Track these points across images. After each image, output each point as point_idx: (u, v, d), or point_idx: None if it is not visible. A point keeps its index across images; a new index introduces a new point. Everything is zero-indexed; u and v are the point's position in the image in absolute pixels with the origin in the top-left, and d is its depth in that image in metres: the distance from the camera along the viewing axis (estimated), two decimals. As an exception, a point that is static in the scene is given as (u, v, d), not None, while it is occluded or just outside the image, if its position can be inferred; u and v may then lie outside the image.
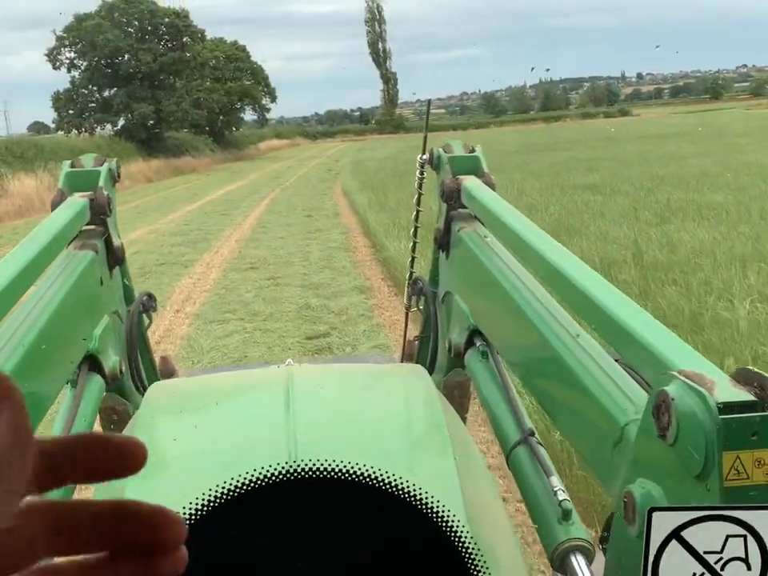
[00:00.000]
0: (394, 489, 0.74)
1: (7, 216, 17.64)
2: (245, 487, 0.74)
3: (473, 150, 1.76)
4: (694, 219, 8.52)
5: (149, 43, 37.97)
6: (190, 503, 0.73)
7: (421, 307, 1.97)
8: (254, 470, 0.74)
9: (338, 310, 6.73)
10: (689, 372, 0.71)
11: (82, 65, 38.37)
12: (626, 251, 6.76)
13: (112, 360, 1.54)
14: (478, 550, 0.75)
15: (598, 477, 0.96)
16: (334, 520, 0.78)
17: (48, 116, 38.87)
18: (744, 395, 0.67)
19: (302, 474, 0.75)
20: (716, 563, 0.60)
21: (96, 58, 37.55)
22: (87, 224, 1.64)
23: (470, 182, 1.63)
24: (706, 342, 4.20)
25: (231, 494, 0.73)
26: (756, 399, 0.67)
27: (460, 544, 0.75)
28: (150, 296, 1.90)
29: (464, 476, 0.88)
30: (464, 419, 1.83)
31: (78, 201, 1.61)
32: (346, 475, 0.74)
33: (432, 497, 0.75)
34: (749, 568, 0.60)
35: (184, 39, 39.24)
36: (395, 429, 1.03)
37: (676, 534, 0.60)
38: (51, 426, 1.39)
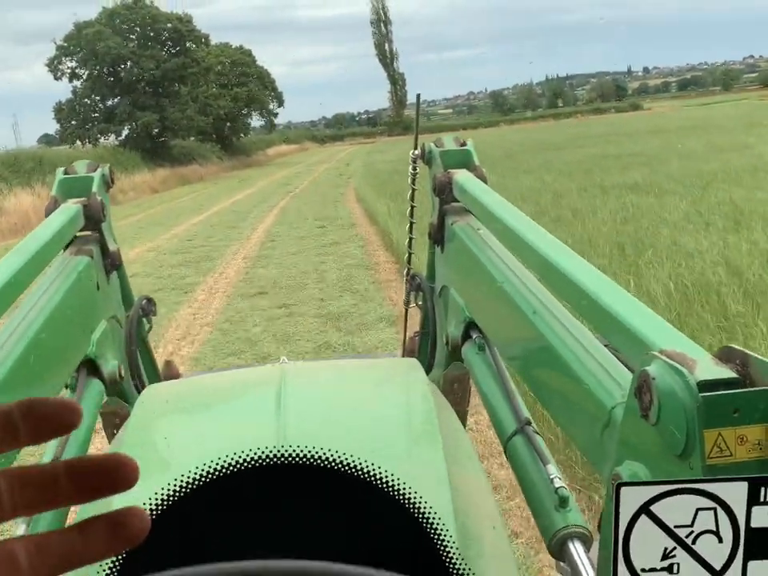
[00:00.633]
0: (379, 481, 0.75)
1: (1, 235, 16.52)
2: (231, 468, 0.75)
3: (464, 144, 1.75)
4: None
5: (151, 50, 36.87)
6: (175, 480, 0.73)
7: (420, 303, 1.94)
8: (242, 452, 0.75)
9: (365, 349, 5.51)
10: (670, 351, 0.70)
11: (83, 74, 37.30)
12: (718, 268, 5.49)
13: (111, 364, 1.53)
14: (454, 543, 0.75)
15: (589, 461, 0.95)
16: (317, 508, 0.79)
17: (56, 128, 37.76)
18: (725, 372, 0.66)
19: (289, 459, 0.76)
20: (687, 537, 0.59)
21: (97, 67, 36.49)
22: (82, 230, 1.63)
23: (461, 176, 1.62)
24: None
25: (217, 473, 0.74)
26: (737, 376, 0.66)
27: (437, 537, 0.74)
28: (150, 300, 1.88)
29: (453, 467, 0.90)
30: (465, 412, 1.89)
31: (71, 207, 1.60)
32: (332, 464, 0.75)
33: (415, 490, 0.75)
34: (720, 540, 0.59)
35: (187, 44, 38.15)
36: (385, 420, 1.04)
37: (645, 509, 0.59)
38: None
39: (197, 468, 0.74)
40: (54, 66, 36.81)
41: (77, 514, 0.90)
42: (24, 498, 0.34)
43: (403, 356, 2.11)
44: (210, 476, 0.74)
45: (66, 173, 1.72)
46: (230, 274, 9.44)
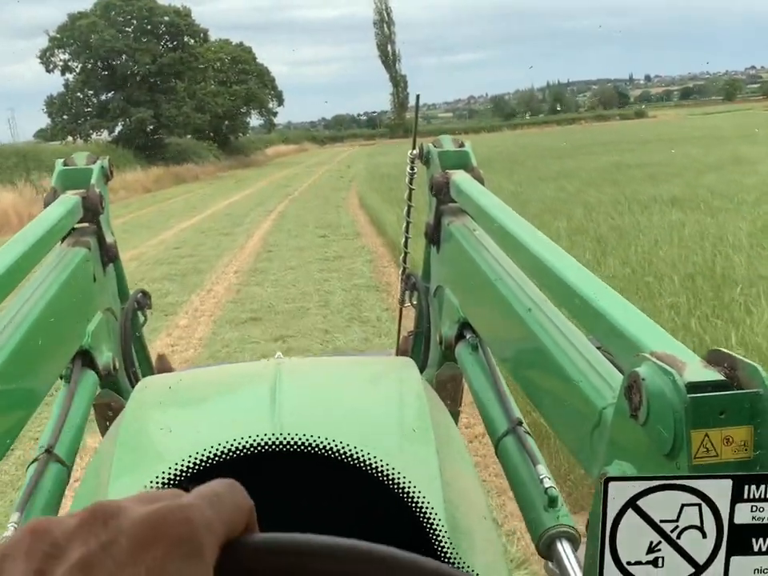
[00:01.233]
0: (374, 470, 0.76)
1: (-25, 235, 15.25)
2: (226, 455, 0.75)
3: (462, 145, 1.75)
4: None
5: (147, 43, 35.45)
6: (170, 468, 0.74)
7: (414, 302, 1.94)
8: (237, 439, 0.76)
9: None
10: (660, 353, 0.71)
11: (76, 67, 35.91)
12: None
13: (105, 356, 1.53)
14: (445, 531, 0.76)
15: (579, 461, 0.94)
16: (310, 494, 0.81)
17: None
18: (713, 375, 0.67)
19: (284, 446, 0.77)
20: (672, 531, 0.60)
21: (91, 60, 35.12)
22: (80, 222, 1.62)
23: (458, 177, 1.63)
24: None
25: (212, 461, 0.75)
26: (725, 379, 0.67)
27: (429, 527, 0.76)
28: (145, 293, 1.86)
29: (444, 462, 0.91)
30: (458, 412, 1.89)
31: (70, 198, 1.59)
32: (326, 452, 0.76)
33: (408, 480, 0.77)
34: (704, 536, 0.60)
35: (185, 39, 36.84)
36: (378, 416, 1.04)
37: (632, 504, 0.60)
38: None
39: (191, 456, 0.75)
40: (46, 58, 35.42)
41: (72, 501, 0.98)
42: None
43: (397, 355, 2.11)
44: (204, 464, 0.75)
45: (65, 164, 1.72)
46: (220, 291, 8.22)
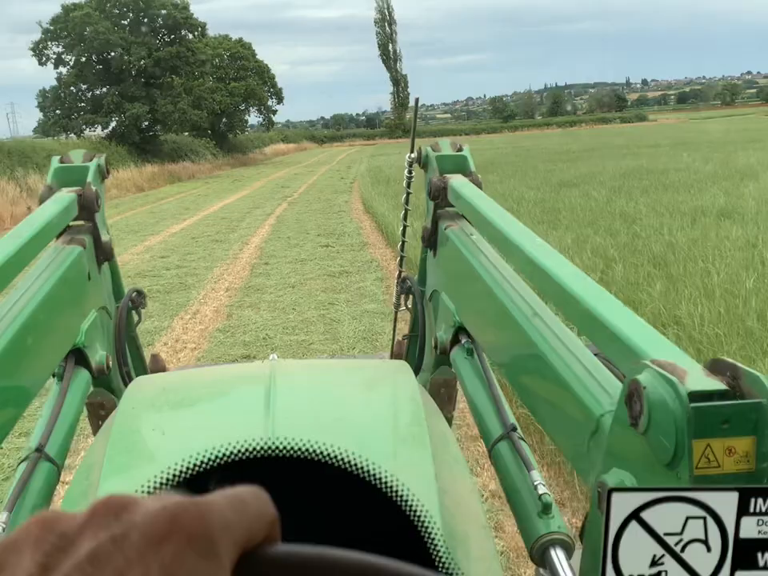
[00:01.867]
0: (369, 474, 0.75)
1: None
2: (219, 458, 0.74)
3: (460, 149, 1.75)
4: None
5: (143, 37, 34.19)
6: (161, 471, 0.73)
7: (410, 306, 1.94)
8: (230, 443, 0.75)
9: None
10: (661, 361, 0.70)
11: (69, 60, 34.61)
12: None
13: (99, 354, 1.53)
14: (442, 537, 0.75)
15: (575, 468, 0.93)
16: (305, 499, 0.78)
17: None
18: (715, 384, 0.66)
19: (277, 451, 0.76)
20: (676, 545, 0.59)
21: (85, 53, 33.80)
22: (75, 219, 1.61)
23: (456, 181, 1.62)
24: None
25: (204, 464, 0.74)
26: (727, 388, 0.66)
27: (426, 534, 0.75)
28: (140, 292, 1.85)
29: (440, 467, 0.90)
30: (451, 416, 1.86)
31: (65, 195, 1.58)
32: (320, 456, 0.75)
33: (404, 484, 0.76)
34: (708, 549, 0.59)
35: (183, 33, 35.58)
36: (374, 419, 1.03)
37: (636, 515, 0.59)
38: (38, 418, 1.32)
39: (183, 460, 0.74)
40: (38, 50, 34.14)
41: (62, 500, 0.94)
42: None
43: (391, 358, 2.08)
44: (197, 467, 0.74)
45: (61, 161, 1.70)
46: (207, 315, 7.05)
